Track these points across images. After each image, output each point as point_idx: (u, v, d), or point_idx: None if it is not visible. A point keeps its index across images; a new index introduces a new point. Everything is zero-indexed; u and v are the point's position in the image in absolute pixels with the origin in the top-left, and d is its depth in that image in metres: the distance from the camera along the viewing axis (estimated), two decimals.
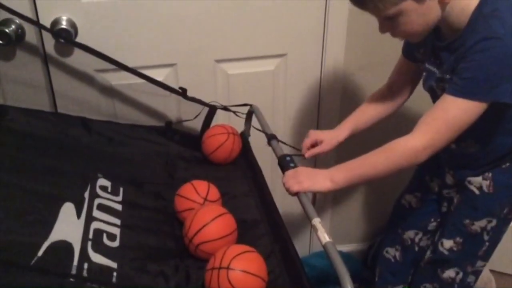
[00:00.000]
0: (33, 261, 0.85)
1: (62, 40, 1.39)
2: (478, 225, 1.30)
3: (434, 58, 1.20)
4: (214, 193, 1.24)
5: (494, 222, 1.29)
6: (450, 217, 1.38)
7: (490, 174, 1.27)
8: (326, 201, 1.96)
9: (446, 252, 1.36)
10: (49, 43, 1.42)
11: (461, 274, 1.36)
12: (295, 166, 1.20)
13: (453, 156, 1.32)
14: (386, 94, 1.41)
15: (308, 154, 1.36)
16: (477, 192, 1.29)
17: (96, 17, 1.42)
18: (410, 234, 1.54)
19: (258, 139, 1.44)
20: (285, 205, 1.77)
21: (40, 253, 0.88)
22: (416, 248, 1.54)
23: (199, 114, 1.53)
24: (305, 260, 1.88)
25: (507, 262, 1.97)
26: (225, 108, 1.53)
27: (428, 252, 1.45)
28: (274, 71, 1.66)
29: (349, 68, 1.70)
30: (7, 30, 1.34)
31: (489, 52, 1.01)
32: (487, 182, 1.27)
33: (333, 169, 1.15)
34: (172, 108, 1.61)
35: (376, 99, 1.42)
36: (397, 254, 1.59)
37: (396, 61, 1.40)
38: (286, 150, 1.31)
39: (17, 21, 1.36)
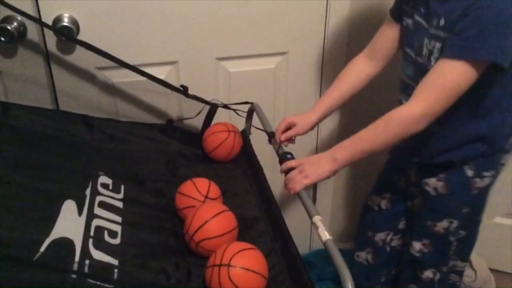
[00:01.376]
0: (35, 257, 0.86)
1: (64, 38, 1.40)
2: (440, 226, 1.30)
3: (424, 8, 1.16)
4: (215, 190, 1.24)
5: (456, 223, 1.28)
6: (416, 219, 1.38)
7: (443, 175, 1.27)
8: (326, 201, 1.96)
9: (417, 254, 1.36)
10: (51, 40, 1.42)
11: (438, 274, 1.36)
12: None
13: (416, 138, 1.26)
14: (364, 64, 1.37)
15: (283, 136, 1.36)
16: (433, 193, 1.29)
17: (98, 14, 1.42)
18: (381, 235, 1.52)
19: (259, 137, 1.44)
20: (286, 202, 1.79)
21: (42, 249, 0.88)
22: (388, 249, 1.52)
23: (200, 112, 1.53)
24: (305, 258, 1.88)
25: (506, 261, 1.97)
26: (226, 106, 1.54)
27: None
28: (275, 69, 1.66)
29: None
30: (9, 27, 1.34)
31: (487, 10, 1.00)
32: (441, 183, 1.27)
33: (333, 149, 1.15)
34: (173, 106, 1.61)
35: (352, 72, 1.38)
36: (369, 257, 1.56)
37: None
38: (287, 148, 1.32)
39: (19, 18, 1.36)
